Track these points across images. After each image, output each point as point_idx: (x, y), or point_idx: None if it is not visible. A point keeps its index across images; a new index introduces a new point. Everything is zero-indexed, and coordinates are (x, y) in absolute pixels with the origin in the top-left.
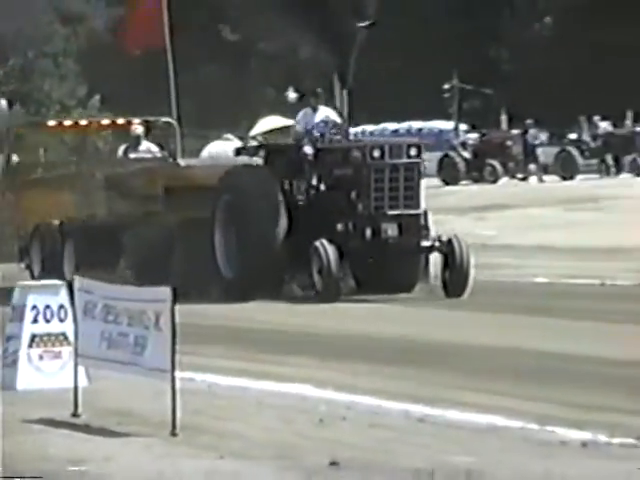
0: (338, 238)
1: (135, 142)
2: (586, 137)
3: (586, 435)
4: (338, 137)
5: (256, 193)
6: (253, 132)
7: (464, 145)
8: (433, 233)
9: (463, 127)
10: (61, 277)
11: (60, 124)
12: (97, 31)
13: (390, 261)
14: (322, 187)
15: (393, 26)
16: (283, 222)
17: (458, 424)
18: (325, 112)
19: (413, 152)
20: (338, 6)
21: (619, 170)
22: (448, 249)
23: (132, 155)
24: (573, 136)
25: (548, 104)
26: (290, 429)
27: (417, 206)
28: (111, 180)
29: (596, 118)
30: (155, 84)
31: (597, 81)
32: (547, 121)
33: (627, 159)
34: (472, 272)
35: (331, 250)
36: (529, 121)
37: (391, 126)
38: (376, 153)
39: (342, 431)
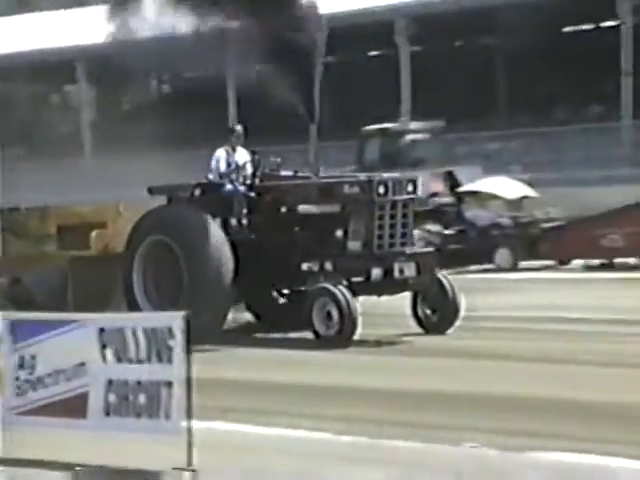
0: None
1: None
2: None
3: None
4: (288, 173)
5: (200, 233)
6: None
7: None
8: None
9: None
10: None
11: None
12: None
13: None
14: (273, 225)
15: None
16: (229, 262)
17: None
18: (243, 151)
19: (410, 188)
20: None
21: None
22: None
23: None
24: None
25: None
26: None
27: (413, 243)
28: None
29: None
30: None
31: None
32: None
33: None
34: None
35: (347, 292)
36: None
37: None
38: (381, 189)
39: None
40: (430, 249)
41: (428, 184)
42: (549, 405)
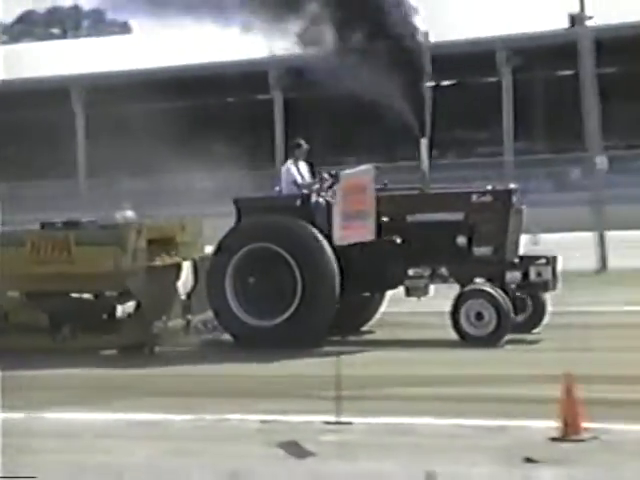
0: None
1: None
2: None
3: None
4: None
5: (313, 243)
6: None
7: None
8: None
9: None
10: None
11: None
12: None
13: None
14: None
15: None
16: (337, 271)
17: None
18: (305, 165)
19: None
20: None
21: None
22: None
23: None
24: None
25: None
26: None
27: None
28: None
29: None
30: None
31: None
32: None
33: None
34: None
35: (503, 293)
36: None
37: None
38: (514, 198)
39: None
40: (555, 254)
41: None
42: None
